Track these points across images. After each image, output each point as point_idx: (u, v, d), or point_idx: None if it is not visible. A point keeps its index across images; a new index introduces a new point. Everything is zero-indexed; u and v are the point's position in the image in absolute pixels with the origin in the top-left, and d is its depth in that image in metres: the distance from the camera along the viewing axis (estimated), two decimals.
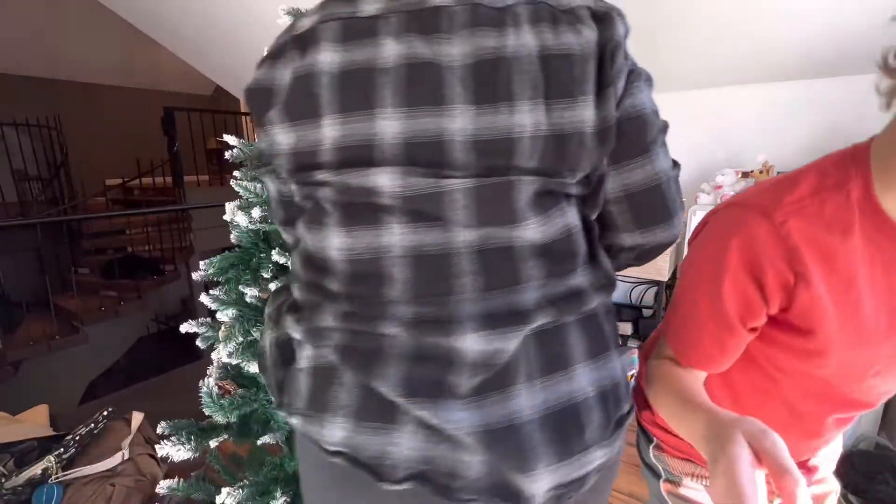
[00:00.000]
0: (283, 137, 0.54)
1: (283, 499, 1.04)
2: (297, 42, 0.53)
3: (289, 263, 1.00)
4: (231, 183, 1.07)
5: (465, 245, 0.50)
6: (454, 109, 0.48)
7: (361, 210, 0.52)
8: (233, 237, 1.09)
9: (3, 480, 1.61)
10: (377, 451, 0.49)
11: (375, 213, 0.51)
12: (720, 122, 2.23)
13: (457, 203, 0.49)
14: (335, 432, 0.50)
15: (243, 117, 6.09)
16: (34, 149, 4.38)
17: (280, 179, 0.59)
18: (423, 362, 0.49)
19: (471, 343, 0.48)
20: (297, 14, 1.07)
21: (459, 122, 0.48)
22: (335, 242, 0.53)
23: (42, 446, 1.76)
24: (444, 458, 0.49)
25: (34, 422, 2.06)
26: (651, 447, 0.77)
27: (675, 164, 0.59)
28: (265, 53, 0.57)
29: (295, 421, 0.54)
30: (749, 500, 0.34)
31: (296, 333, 0.55)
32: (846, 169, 0.51)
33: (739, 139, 2.20)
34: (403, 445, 0.49)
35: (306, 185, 0.55)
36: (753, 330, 0.56)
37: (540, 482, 0.48)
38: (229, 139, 1.12)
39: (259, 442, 1.09)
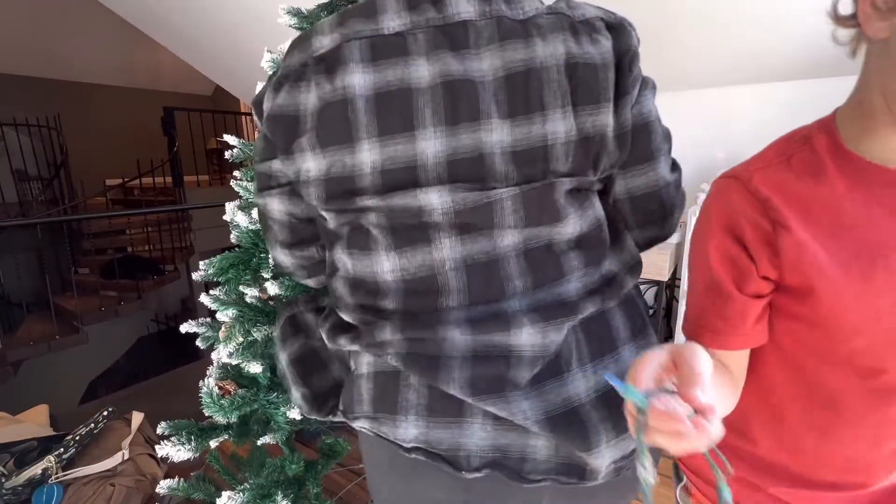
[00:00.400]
0: (312, 164, 0.52)
1: (284, 502, 1.04)
2: (320, 64, 0.51)
3: None
4: (231, 183, 1.07)
5: (512, 248, 0.53)
6: (490, 123, 0.50)
7: (410, 231, 0.53)
8: (233, 237, 1.09)
9: (3, 480, 1.61)
10: (451, 443, 0.52)
11: (425, 231, 0.52)
12: (720, 122, 2.23)
13: (506, 209, 0.51)
14: (409, 430, 0.52)
15: (243, 117, 6.09)
16: (34, 149, 4.38)
17: (294, 201, 0.58)
18: (485, 361, 0.51)
19: (526, 338, 0.51)
20: (297, 14, 1.07)
21: (496, 136, 0.50)
22: (386, 266, 0.54)
23: (42, 446, 1.76)
24: (515, 445, 0.53)
25: (34, 422, 2.05)
26: (679, 487, 0.75)
27: (675, 168, 0.62)
28: (280, 74, 0.54)
29: (360, 424, 0.56)
30: (638, 382, 0.37)
31: (352, 347, 0.57)
32: (809, 130, 0.53)
33: (739, 139, 2.20)
34: (475, 436, 0.52)
35: (346, 211, 0.54)
36: (758, 298, 0.54)
37: (602, 458, 0.51)
38: (229, 139, 1.12)
39: (259, 442, 1.09)
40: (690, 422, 0.35)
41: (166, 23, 3.16)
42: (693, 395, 0.35)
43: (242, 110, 6.23)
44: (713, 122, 2.24)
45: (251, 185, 1.03)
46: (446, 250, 0.52)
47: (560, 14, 0.52)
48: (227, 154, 1.12)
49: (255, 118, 0.58)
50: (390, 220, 0.52)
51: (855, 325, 0.50)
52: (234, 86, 3.85)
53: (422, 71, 0.50)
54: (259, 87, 1.06)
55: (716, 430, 0.35)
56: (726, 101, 2.20)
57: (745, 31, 1.81)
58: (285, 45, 1.04)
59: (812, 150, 0.51)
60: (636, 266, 0.60)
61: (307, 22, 1.08)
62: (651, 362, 0.38)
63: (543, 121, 0.50)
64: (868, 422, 0.54)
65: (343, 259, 0.57)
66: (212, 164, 5.88)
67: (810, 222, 0.49)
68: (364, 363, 0.57)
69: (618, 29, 0.54)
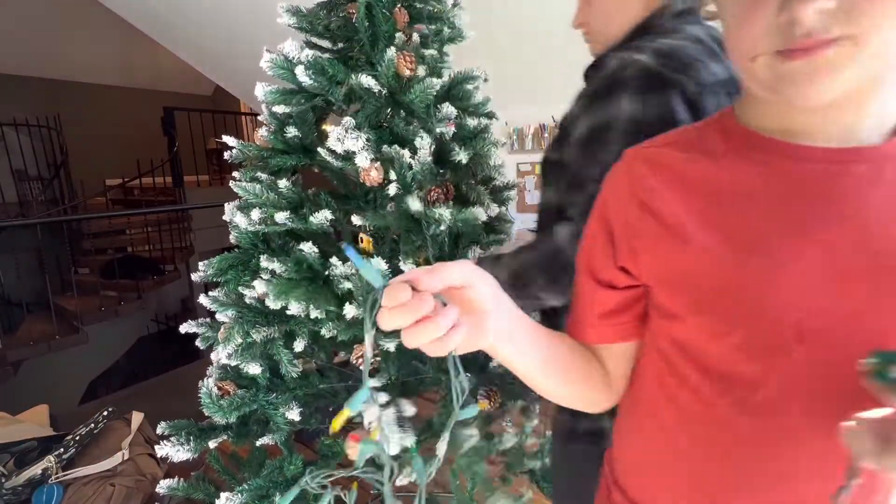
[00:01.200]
0: None
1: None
2: (720, 90, 0.65)
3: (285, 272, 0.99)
4: (231, 184, 1.07)
5: None
6: None
7: None
8: (232, 238, 1.09)
9: (3, 480, 1.61)
10: None
11: None
12: None
13: None
14: None
15: (243, 117, 6.10)
16: (34, 149, 4.39)
17: None
18: None
19: None
20: (297, 13, 1.07)
21: None
22: None
23: (42, 446, 1.76)
24: None
25: (34, 422, 2.06)
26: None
27: None
28: (697, 89, 0.63)
29: None
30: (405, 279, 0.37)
31: None
32: (709, 119, 0.49)
33: None
34: None
35: None
36: (611, 289, 0.50)
37: None
38: (228, 140, 1.12)
39: (258, 443, 1.09)
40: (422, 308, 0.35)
41: (166, 23, 3.17)
42: (419, 280, 0.35)
43: (242, 110, 6.23)
44: None
45: (250, 186, 1.02)
46: None
47: None
48: (227, 155, 1.12)
49: (643, 104, 0.62)
50: None
51: (734, 315, 0.42)
52: (234, 86, 3.86)
53: None
54: (259, 86, 1.06)
55: (446, 321, 0.36)
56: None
57: None
58: (285, 45, 1.04)
59: (705, 130, 0.48)
60: None
61: (306, 21, 1.08)
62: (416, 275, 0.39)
63: None
64: (785, 432, 0.43)
65: None
66: (212, 165, 5.88)
67: (687, 201, 0.45)
68: None
69: None
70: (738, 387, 0.43)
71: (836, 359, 0.39)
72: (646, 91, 0.61)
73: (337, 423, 0.39)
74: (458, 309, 0.37)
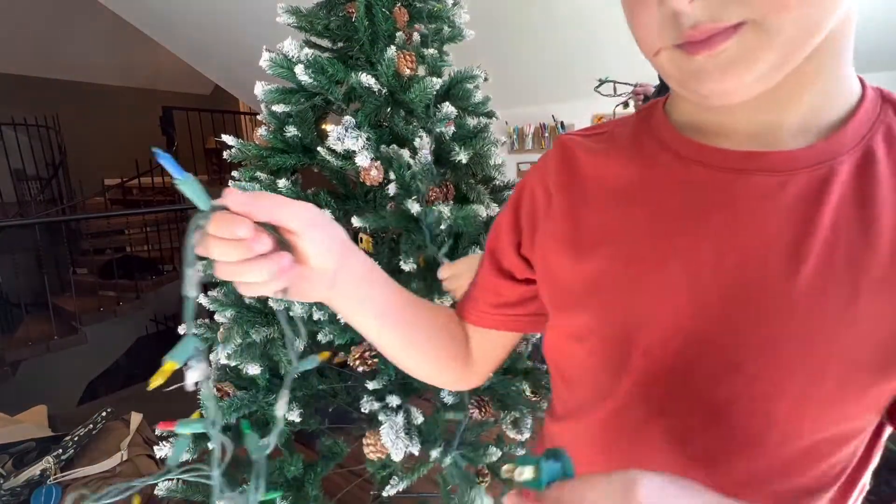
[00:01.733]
0: None
1: (282, 503, 1.03)
2: None
3: None
4: (230, 183, 1.06)
5: None
6: None
7: None
8: None
9: (1, 481, 1.60)
10: None
11: None
12: None
13: None
14: None
15: (242, 117, 6.08)
16: (33, 148, 4.38)
17: None
18: None
19: None
20: (296, 13, 1.06)
21: None
22: None
23: (40, 447, 1.75)
24: None
25: (33, 422, 2.05)
26: None
27: None
28: None
29: None
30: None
31: None
32: (647, 105, 0.46)
33: None
34: None
35: None
36: (510, 280, 0.49)
37: None
38: (227, 139, 1.12)
39: (258, 444, 1.08)
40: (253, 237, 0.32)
41: (166, 22, 3.16)
42: (248, 209, 0.33)
43: (241, 109, 6.22)
44: None
45: (250, 186, 1.02)
46: None
47: None
48: (226, 154, 1.11)
49: None
50: None
51: (590, 322, 0.41)
52: (233, 85, 3.85)
53: None
54: (259, 85, 1.06)
55: (273, 266, 0.33)
56: None
57: None
58: (285, 44, 1.03)
59: (632, 121, 0.44)
60: None
61: (305, 21, 1.08)
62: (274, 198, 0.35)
63: None
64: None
65: None
66: (211, 164, 5.87)
67: (574, 199, 0.43)
68: None
69: None
70: (590, 391, 0.44)
71: (676, 380, 0.37)
72: None
73: (156, 380, 0.34)
74: (290, 256, 0.35)
